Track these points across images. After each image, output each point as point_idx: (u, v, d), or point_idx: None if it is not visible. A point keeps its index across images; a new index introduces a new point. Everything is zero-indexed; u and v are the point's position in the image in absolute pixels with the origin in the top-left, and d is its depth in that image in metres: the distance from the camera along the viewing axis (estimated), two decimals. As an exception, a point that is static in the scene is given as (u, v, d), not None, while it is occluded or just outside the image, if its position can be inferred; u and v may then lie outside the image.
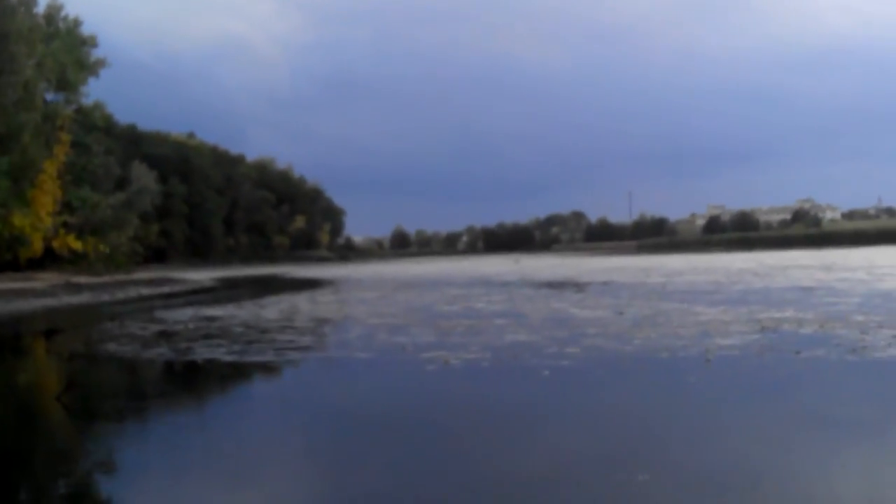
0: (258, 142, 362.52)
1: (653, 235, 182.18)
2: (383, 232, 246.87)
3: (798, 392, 9.33)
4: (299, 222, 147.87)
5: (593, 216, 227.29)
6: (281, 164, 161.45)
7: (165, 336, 17.56)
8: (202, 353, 14.22)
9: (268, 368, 12.62)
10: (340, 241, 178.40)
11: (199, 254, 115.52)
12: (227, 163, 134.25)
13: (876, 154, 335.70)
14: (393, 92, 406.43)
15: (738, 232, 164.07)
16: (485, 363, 11.79)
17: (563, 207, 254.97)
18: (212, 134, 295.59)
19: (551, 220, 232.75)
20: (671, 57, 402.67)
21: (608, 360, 11.80)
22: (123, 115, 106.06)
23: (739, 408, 8.66)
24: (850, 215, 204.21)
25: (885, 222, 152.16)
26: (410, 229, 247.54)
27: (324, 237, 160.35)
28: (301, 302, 28.76)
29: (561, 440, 7.56)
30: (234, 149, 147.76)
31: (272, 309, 25.05)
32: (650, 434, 7.65)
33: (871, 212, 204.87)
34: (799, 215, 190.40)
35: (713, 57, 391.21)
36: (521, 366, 11.46)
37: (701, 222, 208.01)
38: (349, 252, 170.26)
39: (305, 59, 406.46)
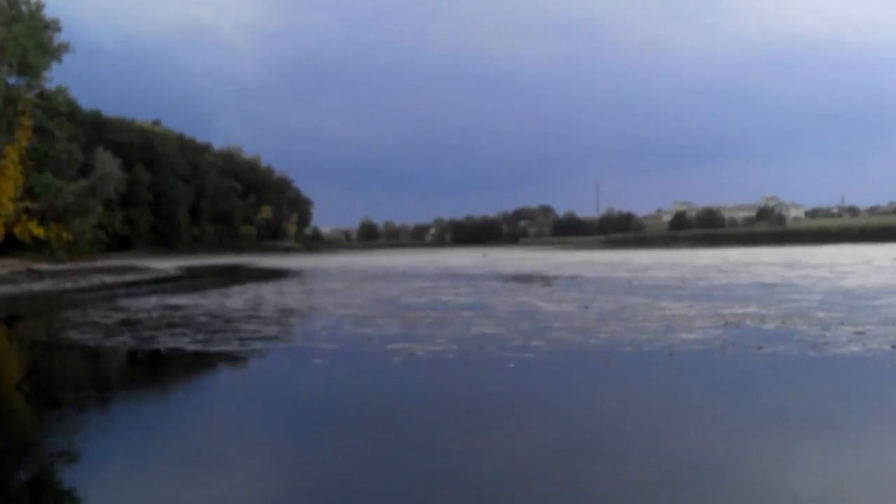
0: (225, 130, 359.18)
1: (620, 230, 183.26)
2: (351, 223, 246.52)
3: (759, 387, 9.44)
4: (266, 212, 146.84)
5: (561, 210, 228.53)
6: (248, 153, 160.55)
7: (129, 324, 17.40)
8: (166, 342, 14.10)
9: (232, 358, 12.53)
10: (308, 231, 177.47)
11: (164, 242, 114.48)
12: (193, 151, 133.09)
13: (839, 153, 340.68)
14: (362, 83, 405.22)
15: (704, 228, 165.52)
16: (450, 355, 11.80)
17: (532, 201, 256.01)
18: (178, 122, 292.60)
19: (519, 214, 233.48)
20: (640, 54, 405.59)
21: (573, 353, 11.87)
22: (87, 100, 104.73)
23: (701, 402, 8.76)
24: (813, 213, 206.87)
25: (848, 221, 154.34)
26: (378, 221, 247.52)
27: (291, 227, 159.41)
28: (267, 292, 28.60)
29: (524, 432, 7.59)
30: (200, 137, 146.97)
31: (237, 299, 24.89)
32: (612, 427, 7.71)
33: (835, 210, 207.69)
34: (764, 213, 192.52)
35: (681, 55, 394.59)
36: (486, 358, 11.49)
37: (667, 218, 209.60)
38: (316, 243, 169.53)
39: (272, 48, 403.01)
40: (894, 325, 13.64)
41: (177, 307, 21.86)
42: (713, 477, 5.97)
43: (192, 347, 13.36)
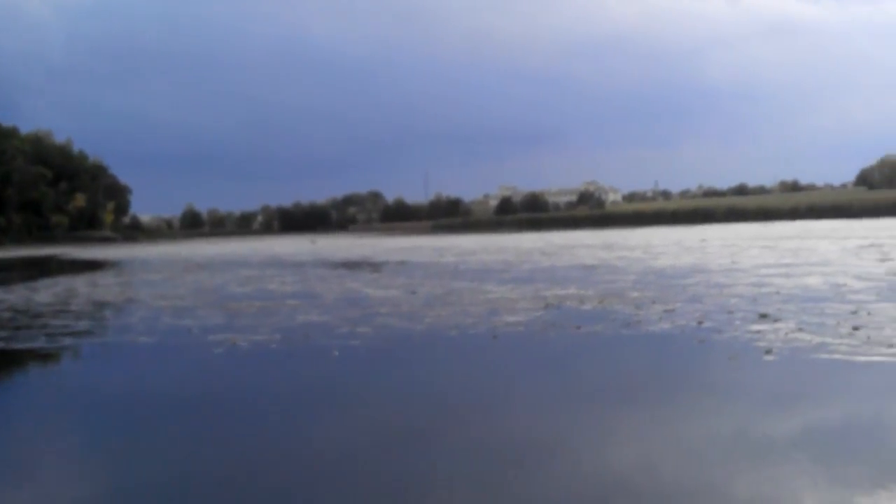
0: (34, 114, 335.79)
1: (448, 216, 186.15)
2: (173, 211, 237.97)
3: (577, 365, 9.75)
4: (80, 200, 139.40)
5: (390, 196, 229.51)
6: (59, 137, 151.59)
7: (-80, 323, 15.99)
8: (-38, 341, 13.04)
9: (38, 356, 11.73)
10: (126, 220, 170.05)
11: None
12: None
13: (653, 140, 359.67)
14: (182, 66, 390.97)
15: (529, 212, 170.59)
16: (274, 345, 11.54)
17: (361, 187, 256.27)
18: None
19: (348, 200, 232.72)
20: (464, 40, 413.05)
21: (399, 338, 11.86)
22: None
23: (521, 381, 8.92)
24: (630, 197, 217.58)
25: (661, 204, 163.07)
26: (202, 208, 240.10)
27: (107, 216, 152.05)
28: (79, 285, 27.09)
29: (349, 419, 7.48)
30: (4, 121, 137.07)
31: (46, 292, 23.43)
32: (435, 410, 7.73)
33: (650, 194, 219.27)
34: (584, 197, 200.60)
35: (503, 42, 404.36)
36: (311, 346, 11.30)
37: (494, 203, 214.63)
38: (136, 232, 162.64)
39: (84, 26, 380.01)
40: (700, 303, 14.45)
41: (-23, 303, 20.31)
42: (537, 452, 6.07)
43: (-8, 346, 12.42)
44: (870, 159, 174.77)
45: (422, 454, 6.27)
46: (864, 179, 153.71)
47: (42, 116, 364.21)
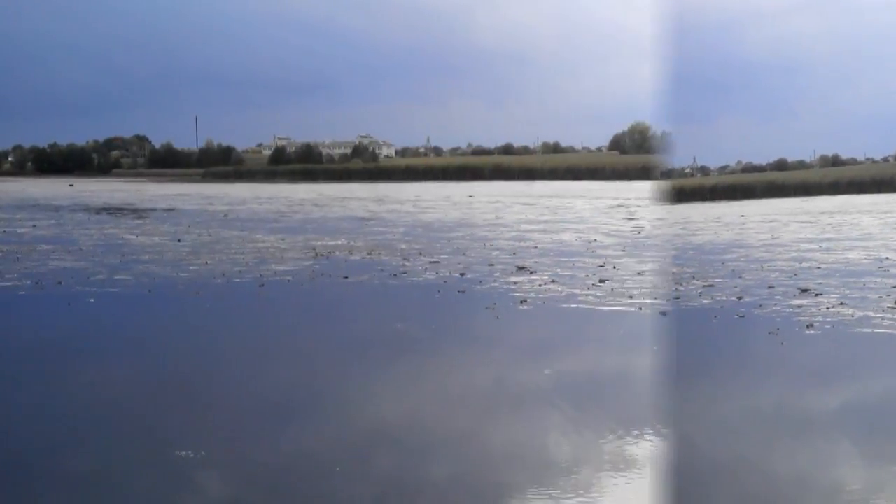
0: None
1: (220, 164, 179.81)
2: None
3: (342, 313, 9.92)
4: None
5: (158, 141, 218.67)
6: None
7: None
8: None
9: None
10: None
11: None
12: None
13: (424, 96, 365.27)
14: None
15: (303, 164, 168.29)
16: (22, 291, 10.85)
17: (125, 131, 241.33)
18: None
19: (111, 144, 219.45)
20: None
21: (160, 286, 11.49)
22: None
23: (287, 330, 8.97)
24: (403, 152, 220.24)
25: (432, 160, 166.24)
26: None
27: None
28: None
29: (100, 372, 7.21)
30: None
31: None
32: (201, 360, 7.63)
33: (422, 150, 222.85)
34: (358, 150, 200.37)
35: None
36: (63, 293, 10.72)
37: (268, 153, 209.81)
38: None
39: None
40: (464, 255, 15.03)
41: None
42: (309, 401, 6.16)
43: None
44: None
45: (180, 404, 6.18)
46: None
47: None
